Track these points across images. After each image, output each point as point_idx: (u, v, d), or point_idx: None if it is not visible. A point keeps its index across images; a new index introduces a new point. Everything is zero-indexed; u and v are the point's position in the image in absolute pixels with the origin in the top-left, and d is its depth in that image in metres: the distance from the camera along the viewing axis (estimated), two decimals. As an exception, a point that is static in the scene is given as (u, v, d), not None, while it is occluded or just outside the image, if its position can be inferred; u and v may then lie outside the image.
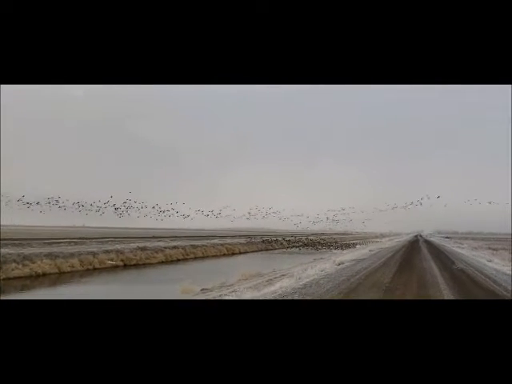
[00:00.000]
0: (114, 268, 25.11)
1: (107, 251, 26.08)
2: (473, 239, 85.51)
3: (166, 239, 37.98)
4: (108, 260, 25.75)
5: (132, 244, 30.24)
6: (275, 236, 67.60)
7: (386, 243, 54.54)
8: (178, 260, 31.20)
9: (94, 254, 24.78)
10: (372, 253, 31.01)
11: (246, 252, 43.28)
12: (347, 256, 25.28)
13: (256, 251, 46.04)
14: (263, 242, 52.68)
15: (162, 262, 29.08)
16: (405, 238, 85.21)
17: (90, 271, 23.21)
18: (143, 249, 29.09)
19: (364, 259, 22.50)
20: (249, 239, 51.33)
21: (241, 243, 45.63)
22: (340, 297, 9.29)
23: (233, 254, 40.16)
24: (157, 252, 29.68)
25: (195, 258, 33.65)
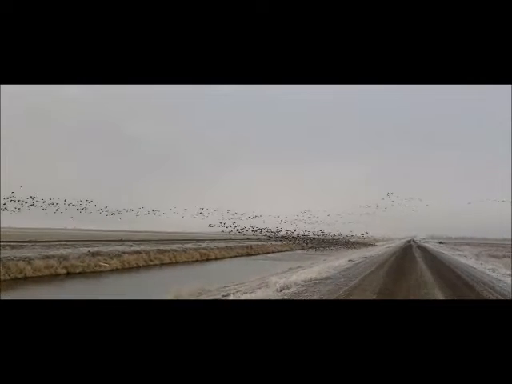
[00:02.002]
0: (54, 277, 21.31)
1: (47, 257, 22.23)
2: (468, 244, 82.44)
3: (129, 243, 34.08)
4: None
5: (83, 248, 26.39)
6: (261, 240, 64.14)
7: (375, 249, 50.35)
8: (139, 267, 27.40)
9: (30, 260, 20.95)
10: (351, 264, 22.81)
11: (223, 258, 39.45)
12: (303, 274, 15.62)
13: (236, 256, 42.27)
14: (245, 246, 48.97)
15: (117, 269, 25.28)
16: (396, 244, 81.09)
17: (20, 281, 19.37)
18: (95, 254, 25.25)
19: (327, 279, 14.50)
20: (228, 243, 47.57)
21: (218, 248, 41.77)
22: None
23: (207, 259, 36.36)
24: (111, 258, 25.86)
25: (161, 265, 29.86)
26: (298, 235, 42.22)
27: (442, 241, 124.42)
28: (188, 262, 33.33)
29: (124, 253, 27.65)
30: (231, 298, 10.35)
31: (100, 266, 23.69)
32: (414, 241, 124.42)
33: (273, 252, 53.65)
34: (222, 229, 31.78)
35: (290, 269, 22.23)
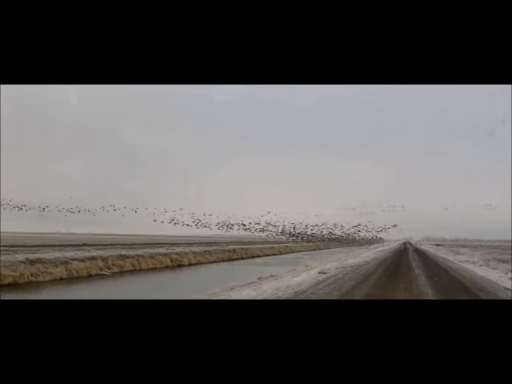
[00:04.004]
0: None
1: (-32, 265, 18.56)
2: (464, 246, 79.32)
3: (88, 247, 30.35)
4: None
5: (22, 255, 22.67)
6: (250, 243, 60.79)
7: (364, 253, 45.45)
8: (91, 276, 23.76)
9: None
10: (320, 278, 16.51)
11: (199, 263, 35.77)
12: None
13: (215, 262, 38.63)
14: (227, 250, 45.36)
15: (61, 279, 21.59)
16: (390, 246, 77.32)
17: None
18: (35, 261, 21.54)
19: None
20: (209, 247, 43.93)
21: (195, 252, 38.05)
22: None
23: (179, 265, 32.69)
24: (56, 265, 22.16)
25: (121, 272, 26.20)
26: (284, 231, 39.34)
27: (438, 243, 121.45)
28: (156, 268, 29.70)
29: (74, 259, 23.92)
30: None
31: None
32: (409, 243, 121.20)
33: (258, 256, 50.00)
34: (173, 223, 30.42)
35: (259, 279, 18.76)
